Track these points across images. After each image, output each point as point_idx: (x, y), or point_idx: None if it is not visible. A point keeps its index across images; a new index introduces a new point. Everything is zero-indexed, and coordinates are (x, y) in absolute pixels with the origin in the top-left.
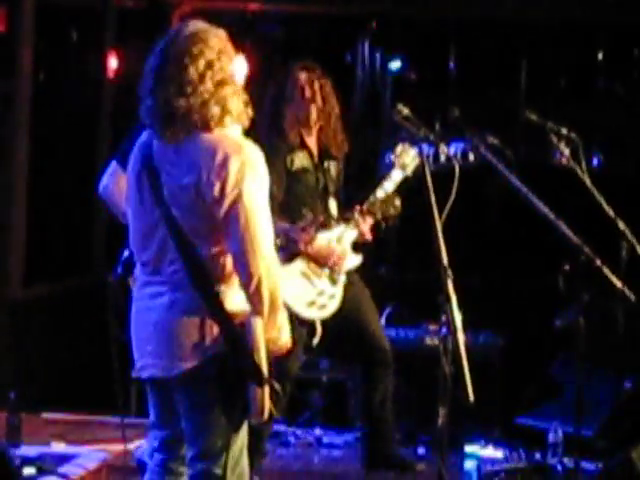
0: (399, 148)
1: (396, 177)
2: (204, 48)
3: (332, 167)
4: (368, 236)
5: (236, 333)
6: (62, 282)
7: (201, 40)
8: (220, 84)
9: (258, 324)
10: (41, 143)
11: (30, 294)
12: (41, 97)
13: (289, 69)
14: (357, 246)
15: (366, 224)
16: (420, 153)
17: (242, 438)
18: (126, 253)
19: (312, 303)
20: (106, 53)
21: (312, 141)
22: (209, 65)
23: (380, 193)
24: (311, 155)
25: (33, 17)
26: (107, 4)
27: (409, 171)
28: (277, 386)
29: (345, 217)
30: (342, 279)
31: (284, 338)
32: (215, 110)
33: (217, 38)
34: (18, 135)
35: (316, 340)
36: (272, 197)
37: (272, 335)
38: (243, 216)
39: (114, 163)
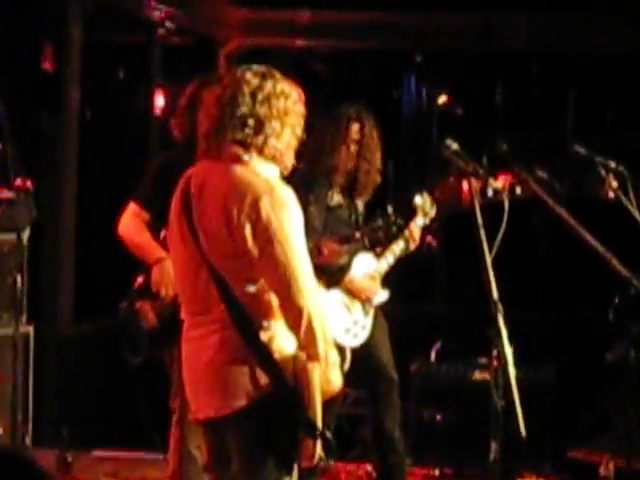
0: (422, 198)
1: (419, 223)
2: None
3: (360, 204)
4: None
5: (286, 386)
6: (111, 318)
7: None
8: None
9: (314, 374)
10: (88, 180)
11: (80, 330)
12: (88, 134)
13: (342, 114)
14: (387, 280)
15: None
16: (470, 188)
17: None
18: (139, 280)
19: (348, 330)
20: (153, 90)
21: (343, 179)
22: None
23: (403, 237)
24: (342, 192)
25: (80, 55)
26: (153, 41)
27: (427, 220)
28: (329, 435)
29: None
30: (372, 312)
31: (336, 378)
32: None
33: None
34: (66, 172)
35: (346, 367)
36: (314, 230)
37: (326, 375)
38: (280, 257)
39: (132, 204)
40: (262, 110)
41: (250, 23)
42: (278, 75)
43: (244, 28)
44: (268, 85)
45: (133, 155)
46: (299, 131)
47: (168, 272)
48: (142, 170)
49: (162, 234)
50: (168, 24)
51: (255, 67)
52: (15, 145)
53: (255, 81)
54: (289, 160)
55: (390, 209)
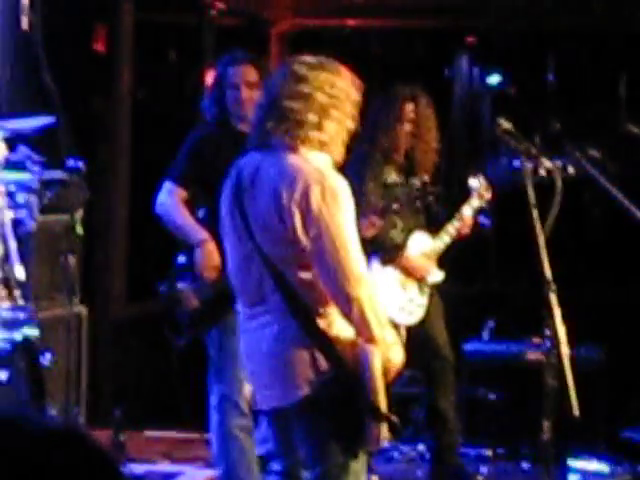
0: (478, 180)
1: (474, 204)
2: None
3: (416, 183)
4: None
5: (347, 371)
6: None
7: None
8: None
9: (374, 357)
10: (141, 160)
11: (132, 311)
12: (140, 115)
13: (396, 93)
14: (442, 260)
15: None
16: (522, 168)
17: (360, 464)
18: (180, 260)
19: (402, 309)
20: (204, 71)
21: (400, 158)
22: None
23: (462, 214)
24: (399, 170)
25: (132, 36)
26: (205, 22)
27: (483, 202)
28: (395, 418)
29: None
30: (428, 291)
31: (397, 356)
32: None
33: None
34: (118, 152)
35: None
36: (370, 205)
37: (386, 356)
38: (330, 246)
39: (168, 182)
40: (305, 104)
41: (301, 3)
42: (329, 66)
43: (295, 8)
44: (313, 77)
45: (185, 135)
46: (349, 123)
47: (211, 254)
48: None
49: (199, 213)
50: (219, 5)
51: (305, 58)
52: (67, 126)
53: (303, 73)
54: (336, 151)
55: (426, 177)
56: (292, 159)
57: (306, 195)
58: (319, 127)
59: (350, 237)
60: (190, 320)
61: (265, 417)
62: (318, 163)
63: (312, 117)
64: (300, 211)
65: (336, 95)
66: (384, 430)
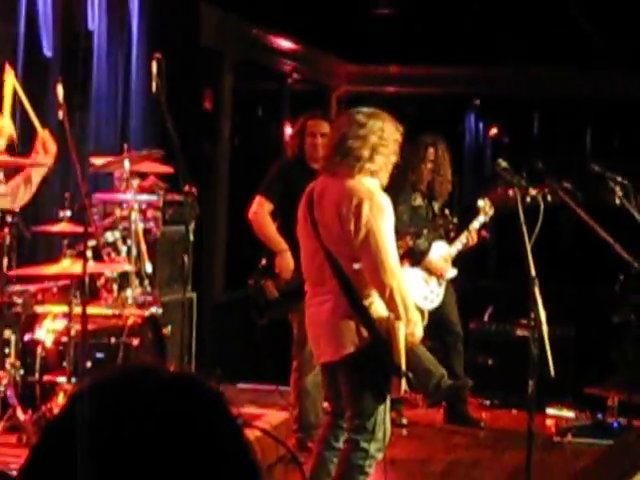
0: (484, 202)
1: (480, 220)
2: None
3: (436, 206)
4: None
5: (380, 338)
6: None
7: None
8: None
9: (400, 329)
10: (236, 187)
11: (228, 298)
12: (237, 157)
13: (421, 141)
14: (455, 262)
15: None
16: (514, 195)
17: (384, 407)
18: (263, 262)
19: (426, 298)
20: (283, 124)
21: (424, 187)
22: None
23: (471, 228)
24: (423, 197)
25: (231, 98)
26: (284, 88)
27: (487, 218)
28: (411, 375)
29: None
30: (444, 284)
31: (418, 332)
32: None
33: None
34: (220, 181)
35: (424, 324)
36: (402, 222)
37: (409, 330)
38: (373, 246)
39: (259, 196)
40: (363, 143)
41: (354, 75)
42: (381, 115)
43: (350, 78)
44: (369, 124)
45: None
46: (393, 157)
47: (288, 261)
48: None
49: (276, 224)
50: (295, 75)
51: (363, 109)
52: (184, 163)
53: (361, 121)
54: (383, 177)
55: (447, 211)
56: (350, 183)
57: (359, 208)
58: (371, 160)
59: (389, 241)
60: (270, 306)
61: (322, 369)
62: (369, 185)
63: (366, 153)
64: (354, 219)
65: (385, 137)
66: (403, 383)
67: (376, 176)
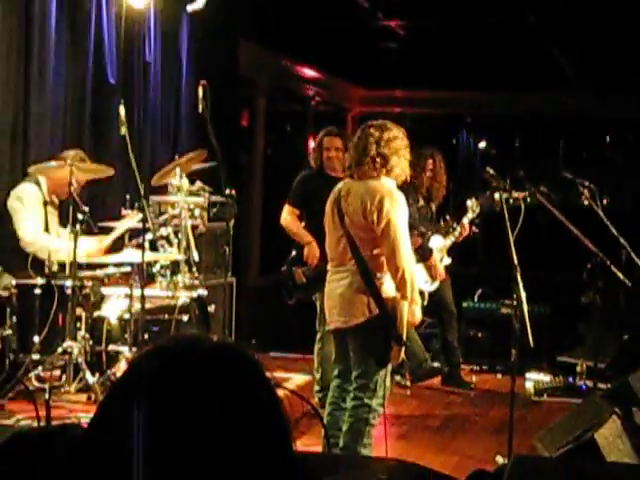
0: (472, 203)
1: (469, 216)
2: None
3: (433, 206)
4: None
5: (389, 312)
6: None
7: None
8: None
9: (404, 307)
10: (269, 192)
11: (263, 282)
12: (268, 165)
13: (421, 153)
14: (452, 249)
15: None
16: (500, 198)
17: (385, 371)
18: (293, 253)
19: (426, 281)
20: (308, 139)
21: (424, 191)
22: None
23: (463, 222)
24: (424, 199)
25: (264, 116)
26: (308, 109)
27: (474, 215)
28: (409, 345)
29: (447, 231)
30: (442, 270)
31: (418, 313)
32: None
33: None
34: (255, 187)
35: (425, 303)
36: (414, 219)
37: (411, 309)
38: (392, 234)
39: (287, 205)
40: (382, 150)
41: (366, 98)
42: (390, 125)
43: (362, 101)
44: (384, 135)
45: (296, 176)
46: (407, 155)
47: (314, 250)
48: None
49: (302, 224)
50: (317, 98)
51: (375, 122)
52: (225, 170)
53: (376, 133)
54: (399, 178)
55: (448, 217)
56: (373, 183)
57: (381, 202)
58: (388, 164)
59: (404, 231)
60: (297, 289)
61: (333, 335)
62: (388, 185)
63: (386, 159)
64: (377, 212)
65: (399, 145)
66: (402, 352)
67: (394, 177)
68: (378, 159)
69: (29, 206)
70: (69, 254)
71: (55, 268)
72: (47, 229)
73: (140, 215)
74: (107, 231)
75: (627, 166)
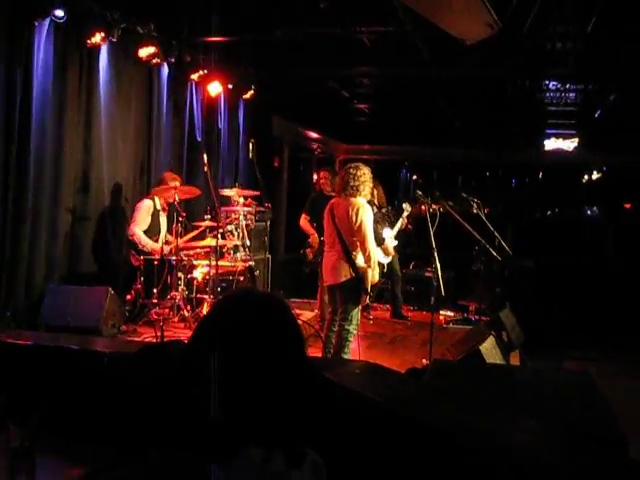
0: (406, 205)
1: (405, 214)
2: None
3: (383, 210)
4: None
5: (360, 275)
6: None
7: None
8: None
9: (369, 272)
10: (290, 205)
11: (288, 258)
12: (290, 189)
13: (375, 182)
14: (397, 236)
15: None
16: (426, 208)
17: (358, 309)
18: (308, 241)
19: (384, 257)
20: (312, 173)
21: (377, 203)
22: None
23: (401, 219)
24: (373, 207)
25: (288, 160)
26: (313, 156)
27: (408, 213)
28: (371, 294)
29: (394, 222)
30: (392, 249)
31: (376, 276)
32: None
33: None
34: (282, 202)
35: (382, 271)
36: (376, 222)
37: (373, 273)
38: (363, 229)
39: (303, 214)
40: (356, 182)
41: (346, 149)
42: (361, 165)
43: (345, 151)
44: (357, 172)
45: (306, 198)
46: (370, 184)
47: (316, 240)
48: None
49: (312, 225)
50: (318, 150)
51: (353, 164)
52: (265, 192)
53: (353, 171)
54: (367, 196)
55: (384, 210)
56: (353, 200)
57: (358, 211)
58: (360, 189)
59: (369, 229)
60: (309, 263)
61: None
62: (362, 201)
63: (359, 187)
64: (355, 216)
65: (366, 179)
66: (367, 298)
67: (364, 197)
68: (355, 186)
69: (142, 212)
70: (161, 241)
71: (166, 250)
72: (159, 229)
73: (214, 218)
74: (196, 228)
75: (498, 189)
